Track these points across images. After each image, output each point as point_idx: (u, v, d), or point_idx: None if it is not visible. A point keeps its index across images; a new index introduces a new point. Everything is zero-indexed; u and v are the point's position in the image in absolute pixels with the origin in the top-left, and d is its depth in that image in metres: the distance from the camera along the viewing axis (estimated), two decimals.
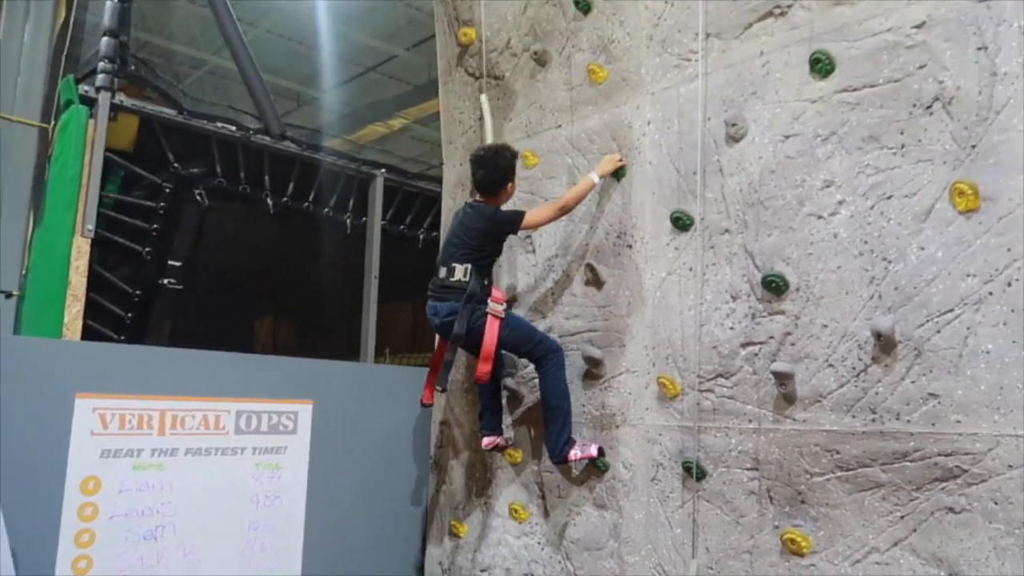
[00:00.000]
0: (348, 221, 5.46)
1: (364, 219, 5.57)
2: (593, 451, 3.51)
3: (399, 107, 10.28)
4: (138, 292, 4.48)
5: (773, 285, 2.99)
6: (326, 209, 5.36)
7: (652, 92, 3.54)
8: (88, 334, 4.17)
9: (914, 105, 2.69)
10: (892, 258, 2.71)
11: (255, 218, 5.08)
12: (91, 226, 4.09)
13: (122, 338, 4.40)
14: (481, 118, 4.33)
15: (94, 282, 4.21)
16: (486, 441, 3.86)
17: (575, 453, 3.52)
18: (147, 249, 4.51)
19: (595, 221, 3.74)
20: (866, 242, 2.78)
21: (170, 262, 4.67)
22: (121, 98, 4.36)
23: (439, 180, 4.89)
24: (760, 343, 3.05)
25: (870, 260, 2.76)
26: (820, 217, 2.91)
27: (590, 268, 3.69)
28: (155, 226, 4.55)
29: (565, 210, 3.60)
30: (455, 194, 4.60)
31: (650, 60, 3.56)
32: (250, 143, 4.93)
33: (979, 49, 2.55)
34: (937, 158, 2.63)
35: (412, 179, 5.87)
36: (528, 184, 4.06)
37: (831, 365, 2.84)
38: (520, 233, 4.03)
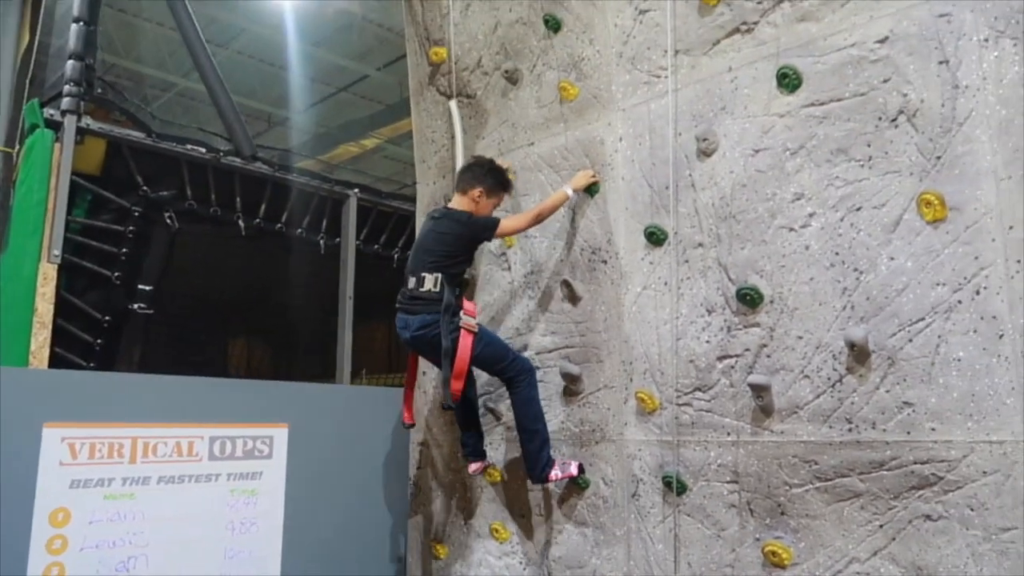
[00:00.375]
0: (322, 242, 5.42)
1: (338, 239, 5.53)
2: (573, 470, 3.48)
3: (371, 127, 10.28)
4: (107, 318, 4.40)
5: (747, 298, 3.01)
6: (299, 230, 5.32)
7: (623, 108, 3.57)
8: (55, 362, 4.08)
9: (880, 118, 2.74)
10: (863, 269, 2.74)
11: (227, 240, 5.03)
12: (57, 252, 4.02)
13: (91, 365, 4.31)
14: (454, 136, 4.34)
15: (61, 308, 4.14)
16: (473, 467, 3.81)
17: (555, 474, 3.47)
18: (116, 274, 4.44)
19: (570, 237, 3.75)
20: (837, 253, 2.81)
21: (140, 286, 4.60)
22: (88, 121, 4.30)
23: (413, 199, 4.88)
24: (736, 356, 3.06)
25: (841, 271, 2.79)
26: (792, 230, 2.94)
27: (566, 284, 3.69)
28: (124, 250, 4.49)
29: (539, 219, 3.58)
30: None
31: (620, 77, 3.59)
32: (220, 165, 4.89)
33: (941, 63, 2.60)
34: (904, 170, 2.67)
35: (386, 198, 5.85)
36: (503, 201, 4.05)
37: (807, 376, 2.86)
38: (496, 250, 4.04)
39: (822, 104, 2.89)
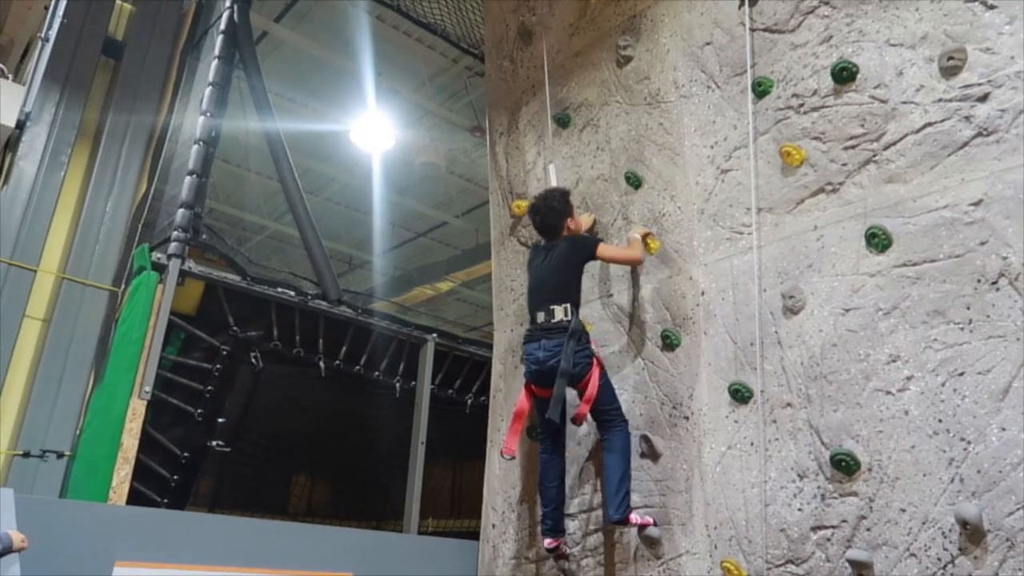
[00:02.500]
0: (397, 385, 5.46)
1: (413, 383, 5.56)
2: (650, 519, 3.47)
3: (447, 270, 10.61)
4: (186, 454, 4.46)
5: (843, 464, 2.84)
6: (376, 373, 5.39)
7: (705, 263, 3.58)
8: (131, 496, 4.11)
9: (979, 280, 2.66)
10: (971, 439, 2.56)
11: (307, 381, 5.12)
12: (149, 388, 4.14)
13: (164, 501, 4.33)
14: None
15: (144, 443, 4.21)
16: (548, 542, 3.67)
17: (635, 517, 3.43)
18: (199, 410, 4.53)
19: (649, 391, 3.67)
20: (940, 420, 2.65)
21: (220, 422, 4.67)
22: (190, 264, 4.55)
23: (489, 344, 4.91)
24: (832, 527, 2.85)
25: (947, 440, 2.62)
26: (888, 393, 2.81)
27: (645, 440, 3.58)
28: (209, 388, 4.60)
29: (634, 262, 3.76)
30: (505, 359, 4.59)
31: (702, 233, 3.62)
32: (307, 308, 5.06)
33: None
34: (1009, 335, 2.55)
35: (462, 344, 5.91)
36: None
37: (913, 554, 2.63)
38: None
39: (915, 264, 2.83)
